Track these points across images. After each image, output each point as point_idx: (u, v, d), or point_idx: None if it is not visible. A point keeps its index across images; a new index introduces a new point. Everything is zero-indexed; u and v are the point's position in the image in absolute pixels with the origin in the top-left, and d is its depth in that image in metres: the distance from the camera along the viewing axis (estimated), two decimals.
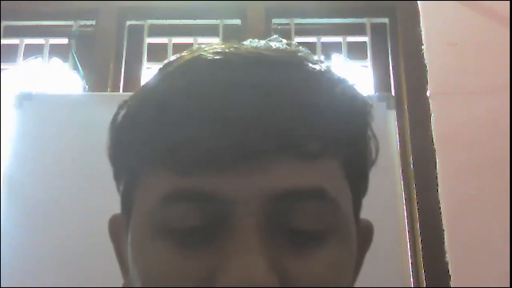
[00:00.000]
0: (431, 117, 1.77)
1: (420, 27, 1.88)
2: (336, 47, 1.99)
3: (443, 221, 1.65)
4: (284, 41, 0.47)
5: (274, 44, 0.45)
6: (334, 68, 0.46)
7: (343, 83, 0.44)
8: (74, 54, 1.96)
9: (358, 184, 0.45)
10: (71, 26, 2.00)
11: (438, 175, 1.70)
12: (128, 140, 0.43)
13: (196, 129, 0.39)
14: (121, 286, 0.49)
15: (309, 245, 0.40)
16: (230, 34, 1.94)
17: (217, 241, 0.39)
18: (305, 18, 2.00)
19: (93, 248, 1.30)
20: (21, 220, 1.40)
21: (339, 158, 0.42)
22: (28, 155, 1.46)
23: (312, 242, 0.40)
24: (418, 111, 1.79)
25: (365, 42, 1.98)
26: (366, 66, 1.96)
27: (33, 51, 1.99)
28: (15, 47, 1.98)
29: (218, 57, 0.42)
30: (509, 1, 1.88)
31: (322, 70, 0.44)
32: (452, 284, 1.59)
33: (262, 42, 0.46)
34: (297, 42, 0.46)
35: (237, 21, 1.99)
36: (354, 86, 0.45)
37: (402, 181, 1.46)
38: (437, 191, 1.68)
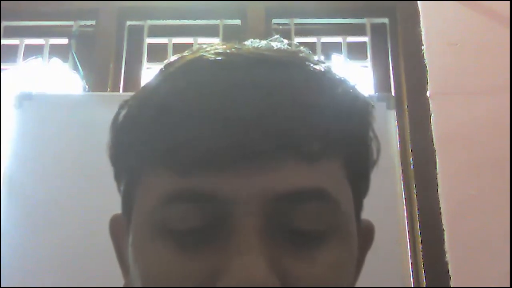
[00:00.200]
0: (431, 117, 1.77)
1: (420, 27, 1.88)
2: (336, 47, 1.99)
3: (443, 221, 1.65)
4: (285, 41, 0.47)
5: (275, 45, 0.45)
6: (334, 68, 0.46)
7: (344, 83, 0.44)
8: (74, 54, 1.96)
9: (359, 185, 0.45)
10: (71, 26, 2.00)
11: (438, 175, 1.70)
12: (129, 140, 0.43)
13: (196, 129, 0.39)
14: (121, 287, 0.49)
15: (310, 246, 0.39)
16: (230, 34, 1.94)
17: (217, 242, 0.39)
18: (305, 18, 2.00)
19: (93, 248, 1.30)
20: (21, 220, 1.40)
21: (340, 158, 0.42)
22: (28, 155, 1.46)
23: (312, 243, 0.40)
24: (418, 111, 1.79)
25: (365, 42, 1.98)
26: (366, 66, 1.96)
27: (33, 51, 1.99)
28: (15, 47, 1.97)
29: (219, 57, 0.42)
30: (509, 1, 1.88)
31: (323, 70, 0.44)
32: (452, 284, 1.59)
33: (263, 42, 0.46)
34: (297, 42, 0.46)
35: (237, 21, 1.99)
36: (355, 87, 0.45)
37: (402, 181, 1.46)
38: (437, 191, 1.68)
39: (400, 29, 1.92)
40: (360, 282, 0.47)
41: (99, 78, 1.87)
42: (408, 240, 1.42)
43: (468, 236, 1.64)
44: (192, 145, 0.39)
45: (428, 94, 1.80)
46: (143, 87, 0.45)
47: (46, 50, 1.98)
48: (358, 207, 0.46)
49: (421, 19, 1.89)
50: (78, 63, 1.94)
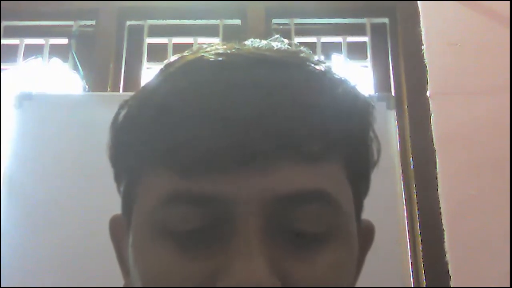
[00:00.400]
0: (431, 117, 1.77)
1: (420, 27, 1.88)
2: (336, 47, 1.99)
3: (443, 221, 1.65)
4: (286, 41, 0.47)
5: (275, 45, 0.45)
6: (335, 68, 0.46)
7: (344, 83, 0.44)
8: (74, 54, 1.96)
9: (360, 185, 0.45)
10: (71, 26, 2.00)
11: (438, 175, 1.69)
12: (129, 140, 0.43)
13: (197, 130, 0.39)
14: (121, 287, 0.49)
15: (311, 247, 0.39)
16: (230, 34, 1.94)
17: (217, 243, 0.38)
18: (305, 18, 2.00)
19: (93, 248, 1.30)
20: (21, 220, 1.40)
21: (340, 159, 0.42)
22: (28, 155, 1.46)
23: (313, 244, 0.39)
24: (418, 111, 1.79)
25: (365, 42, 1.98)
26: (366, 66, 1.96)
27: (33, 51, 1.99)
28: (15, 47, 1.97)
29: (220, 58, 0.42)
30: (509, 1, 1.88)
31: (324, 70, 0.44)
32: (452, 284, 1.59)
33: (264, 42, 0.46)
34: (297, 42, 0.45)
35: (237, 21, 1.99)
36: (356, 87, 0.45)
37: (402, 181, 1.46)
38: (437, 191, 1.68)
39: (400, 29, 1.92)
40: (360, 282, 0.47)
41: (99, 78, 1.87)
42: (408, 240, 1.42)
43: (468, 236, 1.64)
44: (192, 145, 0.38)
45: (428, 94, 1.80)
46: (143, 87, 0.45)
47: (46, 50, 1.97)
48: (359, 207, 0.46)
49: (421, 19, 1.89)
50: (78, 63, 1.94)
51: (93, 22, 1.98)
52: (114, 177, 0.47)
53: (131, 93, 0.46)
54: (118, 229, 0.48)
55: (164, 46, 1.97)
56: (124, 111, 0.45)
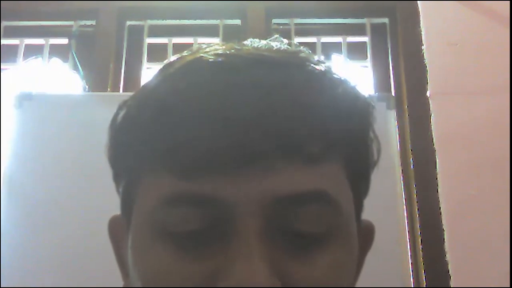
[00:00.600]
0: (431, 117, 1.77)
1: (420, 27, 1.88)
2: (336, 47, 1.99)
3: (443, 221, 1.65)
4: (285, 41, 0.46)
5: (275, 45, 0.45)
6: (335, 68, 0.46)
7: (344, 83, 0.44)
8: (74, 54, 1.96)
9: (360, 185, 0.45)
10: (71, 26, 2.00)
11: (438, 175, 1.69)
12: (129, 141, 0.43)
13: (196, 130, 0.38)
14: (121, 287, 0.49)
15: (311, 248, 0.39)
16: (230, 34, 1.94)
17: (217, 244, 0.38)
18: (305, 18, 2.00)
19: (93, 248, 1.30)
20: (21, 220, 1.40)
21: (340, 159, 0.42)
22: (28, 155, 1.46)
23: (313, 245, 0.39)
24: (418, 111, 1.79)
25: (365, 42, 1.98)
26: (366, 66, 1.96)
27: (33, 51, 1.99)
28: (15, 47, 1.97)
29: (219, 58, 0.42)
30: (509, 1, 1.88)
31: (324, 70, 0.43)
32: (452, 284, 1.59)
33: (263, 42, 0.46)
34: (297, 42, 0.45)
35: (237, 21, 1.99)
36: (356, 87, 0.45)
37: (402, 181, 1.46)
38: (437, 191, 1.68)
39: (400, 29, 1.92)
40: (360, 282, 0.47)
41: (99, 78, 1.87)
42: (408, 240, 1.42)
43: (468, 236, 1.64)
44: (192, 146, 0.38)
45: (428, 94, 1.80)
46: (142, 87, 0.45)
47: (46, 50, 1.97)
48: (359, 207, 0.46)
49: (421, 19, 1.89)
50: (78, 63, 1.94)
51: (93, 22, 1.98)
52: (113, 178, 0.47)
53: (131, 93, 0.46)
54: (118, 230, 0.48)
55: (164, 46, 1.97)
56: (123, 112, 0.44)
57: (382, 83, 1.93)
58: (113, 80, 1.88)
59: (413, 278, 1.43)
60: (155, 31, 2.01)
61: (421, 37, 1.87)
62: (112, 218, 0.49)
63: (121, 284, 0.49)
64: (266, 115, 0.38)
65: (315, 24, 2.02)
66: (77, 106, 1.54)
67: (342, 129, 0.42)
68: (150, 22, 2.01)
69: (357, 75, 1.96)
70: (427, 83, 1.81)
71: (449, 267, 1.61)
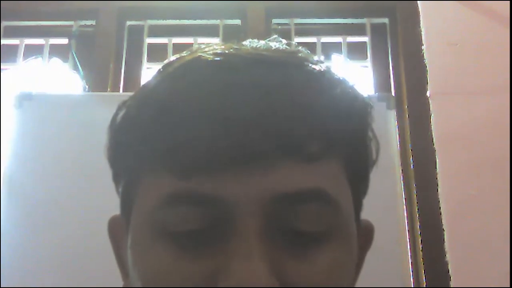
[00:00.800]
0: (431, 117, 1.77)
1: (420, 27, 1.88)
2: (336, 47, 1.99)
3: (443, 221, 1.65)
4: (284, 41, 0.47)
5: (274, 45, 0.45)
6: (334, 68, 0.46)
7: (343, 83, 0.44)
8: (74, 54, 1.96)
9: (359, 185, 0.45)
10: (71, 26, 2.00)
11: (438, 175, 1.69)
12: (128, 140, 0.43)
13: (196, 130, 0.39)
14: (121, 287, 0.49)
15: (310, 247, 0.39)
16: (230, 34, 1.94)
17: (217, 243, 0.39)
18: (305, 18, 2.00)
19: (93, 248, 1.30)
20: (21, 220, 1.40)
21: (339, 159, 0.42)
22: (28, 155, 1.46)
23: (313, 244, 0.39)
24: (418, 111, 1.79)
25: (365, 42, 1.98)
26: (366, 66, 1.96)
27: (33, 51, 1.99)
28: (15, 47, 1.97)
29: (218, 58, 0.42)
30: (509, 1, 1.88)
31: (322, 70, 0.44)
32: (452, 284, 1.59)
33: (262, 42, 0.46)
34: (297, 42, 0.46)
35: (237, 21, 1.99)
36: (354, 87, 0.45)
37: (402, 181, 1.46)
38: (437, 191, 1.68)
39: (400, 29, 1.92)
40: (360, 282, 0.47)
41: (99, 78, 1.87)
42: (408, 240, 1.42)
43: (468, 236, 1.64)
44: (192, 145, 0.38)
45: (428, 94, 1.80)
46: (141, 87, 0.45)
47: (46, 50, 1.97)
48: (358, 207, 0.46)
49: (421, 19, 1.89)
50: (78, 63, 1.94)
51: (93, 22, 1.98)
52: (113, 178, 0.47)
53: (131, 93, 0.46)
54: (117, 230, 0.48)
55: (164, 46, 1.97)
56: (122, 112, 0.45)
57: (382, 83, 1.93)
58: (113, 80, 1.88)
59: (413, 278, 1.43)
60: (155, 31, 2.01)
61: (421, 37, 1.87)
62: (112, 218, 0.49)
63: (121, 284, 0.49)
64: (265, 114, 0.38)
65: (315, 24, 2.02)
66: (77, 106, 1.54)
67: (341, 128, 0.42)
68: (150, 22, 2.01)
69: (357, 75, 1.96)
70: (427, 83, 1.81)
71: (449, 267, 1.61)
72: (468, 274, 1.60)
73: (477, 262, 1.61)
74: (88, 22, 2.00)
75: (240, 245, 0.37)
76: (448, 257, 1.62)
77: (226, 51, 0.43)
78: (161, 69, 0.45)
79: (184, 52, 0.45)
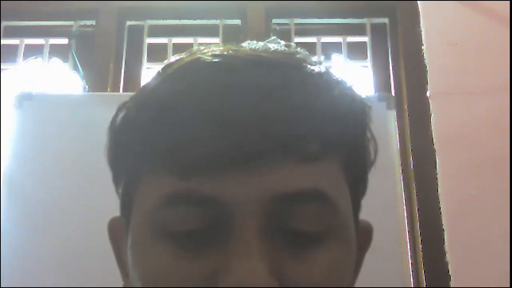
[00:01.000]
0: (431, 117, 1.77)
1: (420, 27, 1.88)
2: (336, 47, 1.99)
3: (443, 221, 1.65)
4: (283, 42, 0.47)
5: (272, 46, 0.45)
6: (333, 69, 0.46)
7: (341, 84, 0.44)
8: (74, 54, 1.96)
9: (357, 185, 0.46)
10: (71, 26, 2.00)
11: (438, 175, 1.70)
12: (128, 141, 0.43)
13: (196, 131, 0.39)
14: (121, 287, 0.49)
15: (309, 247, 0.40)
16: (230, 34, 1.94)
17: (217, 243, 0.39)
18: (305, 18, 2.00)
19: (93, 248, 1.30)
20: (21, 220, 1.40)
21: (338, 159, 0.42)
22: (28, 155, 1.46)
23: (311, 244, 0.40)
24: (418, 111, 1.79)
25: (365, 42, 1.98)
26: (366, 66, 1.96)
27: (33, 51, 1.99)
28: (15, 47, 1.98)
29: (216, 59, 0.42)
30: (509, 1, 1.88)
31: (321, 71, 0.44)
32: (452, 284, 1.59)
33: (261, 44, 0.46)
34: (297, 42, 0.46)
35: (237, 21, 1.99)
36: (353, 88, 0.45)
37: (402, 181, 1.46)
38: (437, 191, 1.68)
39: (400, 29, 1.92)
40: (360, 282, 0.47)
41: (99, 78, 1.87)
42: (408, 240, 1.42)
43: (468, 236, 1.64)
44: (191, 146, 0.39)
45: (428, 94, 1.80)
46: (141, 89, 0.46)
47: (46, 50, 1.98)
48: (356, 207, 0.46)
49: (421, 19, 1.89)
50: (78, 63, 1.94)
51: (93, 22, 1.98)
52: (113, 179, 0.47)
53: (131, 93, 0.47)
54: (117, 231, 0.48)
55: (164, 46, 1.97)
56: (122, 113, 0.45)
57: (382, 83, 1.93)
58: (113, 80, 1.88)
59: (413, 278, 1.43)
60: (155, 31, 2.01)
61: (421, 37, 1.87)
62: (112, 220, 0.50)
63: (121, 284, 0.49)
64: (264, 115, 0.39)
65: (315, 24, 2.02)
66: (77, 106, 1.54)
67: (339, 129, 0.42)
68: (150, 22, 2.01)
69: (357, 75, 1.96)
70: (427, 83, 1.81)
71: (449, 267, 1.61)
72: (468, 274, 1.60)
73: (477, 262, 1.61)
74: (88, 22, 2.00)
75: (240, 245, 0.38)
76: (448, 257, 1.62)
77: (225, 53, 0.43)
78: (161, 71, 0.45)
79: (183, 53, 0.46)
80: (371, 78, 1.93)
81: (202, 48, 0.45)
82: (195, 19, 2.00)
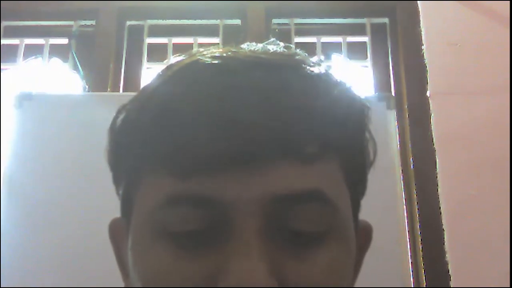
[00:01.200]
0: (431, 117, 1.77)
1: (420, 27, 1.88)
2: (336, 47, 1.99)
3: (443, 221, 1.65)
4: (282, 44, 0.47)
5: (271, 47, 0.45)
6: (332, 70, 0.46)
7: (340, 85, 0.44)
8: (74, 54, 1.96)
9: (357, 186, 0.46)
10: (71, 26, 2.00)
11: (438, 175, 1.70)
12: (129, 143, 0.43)
13: (196, 132, 0.39)
14: (121, 287, 0.49)
15: (309, 247, 0.40)
16: (230, 34, 1.94)
17: (217, 243, 0.39)
18: (305, 18, 2.00)
19: (93, 248, 1.30)
20: (21, 220, 1.40)
21: (337, 160, 0.42)
22: (28, 155, 1.46)
23: (311, 244, 0.40)
24: (418, 111, 1.79)
25: (365, 42, 1.98)
26: (366, 66, 1.96)
27: (33, 51, 1.99)
28: (15, 47, 1.98)
29: (216, 61, 0.42)
30: (509, 1, 1.88)
31: (320, 73, 0.44)
32: (452, 284, 1.59)
33: (260, 45, 0.46)
34: (297, 42, 0.46)
35: (237, 21, 1.99)
36: (352, 89, 0.45)
37: (402, 181, 1.46)
38: (437, 191, 1.68)
39: (400, 29, 1.92)
40: (360, 282, 0.47)
41: (99, 78, 1.87)
42: (408, 240, 1.42)
43: (468, 236, 1.64)
44: (192, 148, 0.39)
45: (428, 94, 1.80)
46: (141, 91, 0.46)
47: (46, 50, 1.98)
48: (356, 208, 0.46)
49: (421, 19, 1.89)
50: (78, 63, 1.94)
51: (93, 22, 1.98)
52: (113, 180, 0.47)
53: (131, 93, 0.47)
54: (118, 232, 0.48)
55: (164, 46, 1.97)
56: (122, 115, 0.45)
57: (382, 83, 1.93)
58: (113, 80, 1.88)
59: (413, 278, 1.43)
60: (155, 31, 2.01)
61: (421, 37, 1.87)
62: (113, 221, 0.50)
63: (121, 284, 0.49)
64: (263, 116, 0.39)
65: (315, 24, 2.02)
66: (77, 106, 1.54)
67: (338, 130, 0.42)
68: (150, 22, 2.01)
69: (357, 75, 1.96)
70: (427, 83, 1.81)
71: (449, 267, 1.61)
72: (468, 274, 1.60)
73: (477, 262, 1.61)
74: (88, 22, 2.00)
75: (240, 245, 0.38)
76: (448, 257, 1.62)
77: (225, 54, 0.43)
78: (160, 73, 0.45)
79: (183, 55, 0.46)
80: (371, 78, 1.93)
81: (201, 49, 0.45)
82: (195, 19, 2.00)
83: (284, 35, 1.87)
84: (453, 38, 1.85)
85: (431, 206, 1.67)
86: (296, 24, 1.99)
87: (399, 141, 1.53)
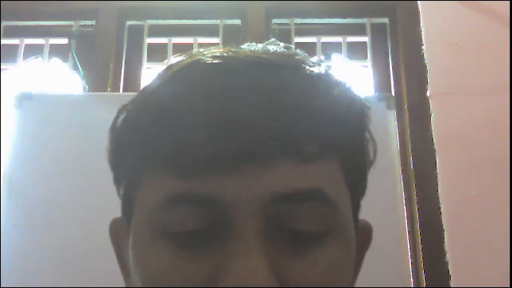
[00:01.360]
0: (431, 117, 1.77)
1: (420, 27, 1.88)
2: (336, 47, 1.99)
3: (443, 221, 1.65)
4: (282, 44, 0.47)
5: (272, 48, 0.46)
6: (332, 70, 0.46)
7: (340, 85, 0.45)
8: (74, 54, 1.96)
9: (357, 185, 0.46)
10: (71, 26, 2.00)
11: (438, 175, 1.70)
12: (129, 143, 0.44)
13: (196, 133, 0.39)
14: (122, 287, 0.49)
15: (309, 246, 0.40)
16: (230, 34, 1.94)
17: (217, 243, 0.39)
18: (305, 18, 2.00)
19: (93, 248, 1.30)
20: (21, 220, 1.40)
21: (337, 160, 0.43)
22: (28, 155, 1.46)
23: (311, 243, 0.40)
24: (418, 111, 1.79)
25: (365, 42, 1.98)
26: (366, 66, 1.96)
27: (33, 51, 1.99)
28: (15, 47, 1.98)
29: (216, 61, 0.42)
30: (509, 1, 1.88)
31: (320, 73, 0.44)
32: (452, 284, 1.59)
33: (260, 45, 0.46)
34: (297, 42, 0.46)
35: (237, 21, 1.99)
36: (352, 88, 0.45)
37: (402, 181, 1.46)
38: (437, 191, 1.68)
39: (400, 29, 1.92)
40: (360, 282, 0.47)
41: (99, 78, 1.87)
42: (408, 240, 1.42)
43: (468, 236, 1.64)
44: (192, 148, 0.39)
45: (428, 94, 1.80)
46: (141, 91, 0.46)
47: (46, 50, 1.98)
48: (356, 207, 0.46)
49: (421, 19, 1.89)
50: (78, 63, 1.94)
51: (93, 22, 1.98)
52: (114, 180, 0.47)
53: (131, 93, 0.47)
54: (119, 232, 0.48)
55: (164, 46, 1.97)
56: (123, 116, 0.45)
57: (382, 83, 1.93)
58: (113, 80, 1.88)
59: (413, 278, 1.43)
60: (155, 31, 2.01)
61: (421, 37, 1.87)
62: (113, 220, 0.50)
63: (122, 284, 0.49)
64: (264, 116, 0.39)
65: (315, 24, 2.02)
66: (77, 106, 1.54)
67: (338, 130, 0.42)
68: (150, 22, 2.01)
69: (357, 75, 1.96)
70: (427, 83, 1.81)
71: (449, 267, 1.61)
72: (468, 274, 1.60)
73: (477, 262, 1.61)
74: (88, 22, 2.00)
75: (240, 245, 0.38)
76: (448, 257, 1.62)
77: (225, 54, 0.43)
78: (161, 73, 0.46)
79: (183, 55, 0.46)
80: (371, 78, 1.93)
81: (201, 49, 0.45)
82: (195, 19, 2.00)
83: (284, 35, 1.87)
84: (453, 38, 1.85)
85: (431, 206, 1.67)
86: (296, 24, 1.99)
87: (399, 141, 1.53)
